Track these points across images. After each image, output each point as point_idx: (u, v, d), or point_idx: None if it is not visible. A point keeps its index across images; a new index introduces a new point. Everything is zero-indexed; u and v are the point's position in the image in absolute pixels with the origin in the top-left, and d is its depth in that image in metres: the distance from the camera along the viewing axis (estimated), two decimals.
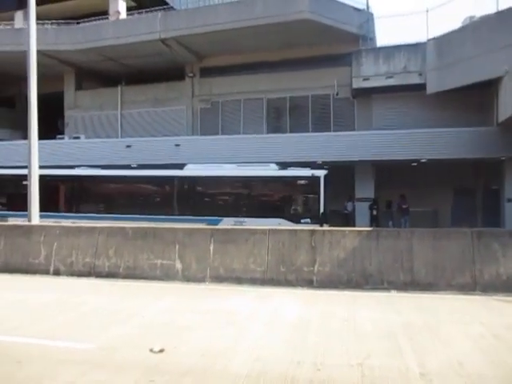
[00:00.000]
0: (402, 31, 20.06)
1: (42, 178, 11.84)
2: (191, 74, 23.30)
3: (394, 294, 7.41)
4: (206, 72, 23.13)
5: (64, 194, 18.40)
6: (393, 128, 18.50)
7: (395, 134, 17.80)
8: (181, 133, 22.79)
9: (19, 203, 16.20)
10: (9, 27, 24.60)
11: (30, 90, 10.80)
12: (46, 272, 9.17)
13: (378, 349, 4.75)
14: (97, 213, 16.51)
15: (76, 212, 16.95)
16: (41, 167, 11.56)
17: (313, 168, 15.46)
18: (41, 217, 11.02)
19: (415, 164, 18.26)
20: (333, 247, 7.88)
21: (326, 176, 14.66)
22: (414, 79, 18.15)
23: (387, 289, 7.56)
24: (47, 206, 15.21)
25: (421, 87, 17.95)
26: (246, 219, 14.12)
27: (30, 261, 9.37)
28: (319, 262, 7.87)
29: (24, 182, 15.79)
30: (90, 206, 17.53)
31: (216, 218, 14.47)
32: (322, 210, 14.28)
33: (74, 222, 12.98)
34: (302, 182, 15.23)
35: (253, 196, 16.06)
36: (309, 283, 7.85)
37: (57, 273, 9.12)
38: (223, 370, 4.20)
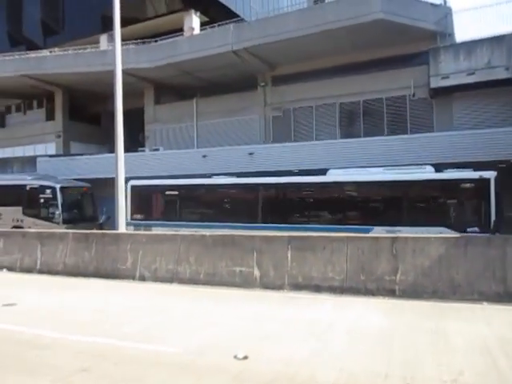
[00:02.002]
0: (483, 24, 18.77)
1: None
2: (263, 83, 23.62)
3: (485, 305, 6.90)
4: (278, 80, 23.31)
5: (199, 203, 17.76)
6: (477, 128, 17.34)
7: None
8: (254, 141, 23.13)
9: (161, 212, 17.46)
10: (94, 50, 26.61)
11: (116, 107, 11.57)
12: (132, 277, 9.72)
13: (471, 365, 4.45)
14: (232, 222, 15.06)
15: (208, 221, 15.85)
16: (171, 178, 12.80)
17: (476, 169, 13.72)
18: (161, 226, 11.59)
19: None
20: (416, 255, 7.53)
21: (496, 178, 12.86)
22: (500, 74, 16.89)
23: (477, 300, 7.06)
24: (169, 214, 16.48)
25: (508, 82, 16.66)
26: (400, 228, 12.74)
27: (117, 267, 9.99)
28: (401, 271, 7.55)
29: (170, 192, 17.09)
30: (226, 215, 16.19)
31: (366, 226, 13.27)
32: (493, 218, 12.54)
33: (196, 231, 12.12)
34: (468, 185, 13.47)
35: (408, 202, 14.34)
36: (390, 293, 7.56)
37: (142, 278, 9.63)
38: (309, 380, 4.17)
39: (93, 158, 24.10)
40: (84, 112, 31.12)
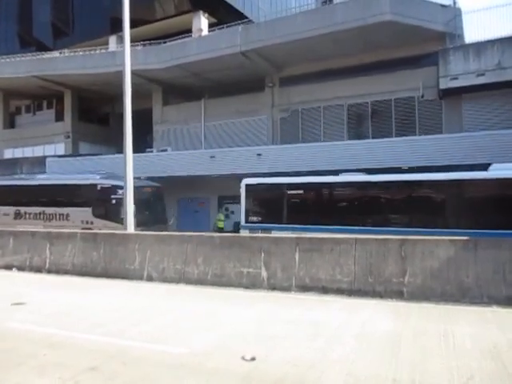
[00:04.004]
0: (493, 25, 18.63)
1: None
2: (271, 85, 23.64)
3: (495, 309, 6.83)
4: (286, 81, 23.32)
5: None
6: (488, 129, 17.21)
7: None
8: (261, 142, 23.16)
9: (283, 214, 15.11)
10: (103, 51, 26.80)
11: (125, 108, 11.62)
12: (139, 278, 9.75)
13: (481, 369, 4.40)
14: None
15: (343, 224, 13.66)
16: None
17: None
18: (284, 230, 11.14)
19: None
20: (425, 258, 7.47)
21: None
22: (511, 75, 16.75)
23: (487, 303, 6.99)
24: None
25: None
26: None
27: (126, 267, 10.03)
28: (410, 273, 7.51)
29: (293, 191, 15.15)
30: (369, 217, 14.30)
31: None
32: None
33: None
34: None
35: None
36: (398, 295, 7.51)
37: (150, 279, 9.66)
38: (316, 383, 4.15)
39: (101, 158, 24.23)
40: (93, 113, 31.39)
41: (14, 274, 11.13)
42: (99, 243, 10.56)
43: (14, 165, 27.80)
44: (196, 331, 5.88)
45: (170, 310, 7.09)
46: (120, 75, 12.22)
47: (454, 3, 19.07)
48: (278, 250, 8.60)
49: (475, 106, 18.54)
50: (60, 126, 29.76)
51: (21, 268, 11.34)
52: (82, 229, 15.81)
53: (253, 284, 8.59)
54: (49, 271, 10.91)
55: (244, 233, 13.23)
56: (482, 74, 17.27)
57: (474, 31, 19.33)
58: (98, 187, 17.83)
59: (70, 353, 5.09)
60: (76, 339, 5.57)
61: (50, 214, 18.41)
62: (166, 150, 24.26)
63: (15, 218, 18.96)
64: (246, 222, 15.30)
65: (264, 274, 8.56)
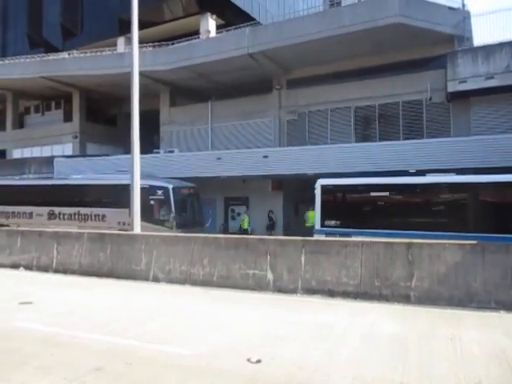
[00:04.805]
0: (502, 28, 18.47)
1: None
2: (278, 87, 23.63)
3: (502, 314, 6.77)
4: (293, 83, 23.29)
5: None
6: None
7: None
8: (268, 144, 23.15)
9: (367, 218, 13.86)
10: (112, 52, 26.94)
11: (133, 109, 11.66)
12: (145, 278, 9.77)
13: (489, 374, 4.36)
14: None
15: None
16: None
17: None
18: (369, 235, 10.02)
19: None
20: (432, 262, 7.42)
21: None
22: None
23: (495, 308, 6.93)
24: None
25: None
26: None
27: (132, 267, 10.06)
28: (417, 277, 7.46)
29: (378, 194, 13.71)
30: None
31: None
32: None
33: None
34: None
35: None
36: (405, 299, 7.47)
37: (156, 279, 9.68)
38: None
39: (109, 159, 24.33)
40: (100, 113, 31.58)
41: (22, 273, 11.20)
42: (106, 243, 10.60)
43: (22, 165, 27.97)
44: (201, 332, 5.88)
45: (176, 311, 7.10)
46: (128, 76, 12.27)
47: (463, 6, 18.97)
48: (283, 252, 8.59)
49: (484, 110, 18.41)
50: (68, 127, 29.95)
51: (28, 267, 11.41)
52: (119, 230, 14.86)
53: (258, 286, 8.57)
54: (56, 271, 10.97)
55: (319, 237, 11.93)
56: (491, 77, 17.14)
57: (482, 34, 19.22)
58: None
59: (76, 352, 5.11)
60: (81, 339, 5.59)
61: (85, 215, 17.95)
62: (172, 152, 24.30)
63: (49, 219, 18.55)
64: (322, 226, 14.05)
65: (270, 276, 8.55)
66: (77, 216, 18.13)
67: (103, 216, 17.49)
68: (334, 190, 14.74)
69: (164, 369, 4.60)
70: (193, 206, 18.11)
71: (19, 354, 5.04)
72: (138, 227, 11.30)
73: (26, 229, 13.33)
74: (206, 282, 9.09)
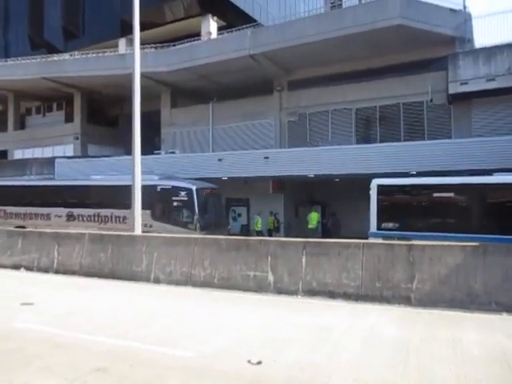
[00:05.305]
0: (503, 31, 18.50)
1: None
2: (279, 88, 23.66)
3: (504, 316, 6.76)
4: (294, 85, 23.32)
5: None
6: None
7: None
8: (269, 145, 23.17)
9: (430, 221, 12.92)
10: (113, 54, 26.99)
11: (134, 110, 11.67)
12: (146, 280, 9.77)
13: (489, 376, 4.37)
14: None
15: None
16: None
17: None
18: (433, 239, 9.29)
19: None
20: (433, 263, 7.42)
21: None
22: None
23: (496, 310, 6.92)
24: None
25: None
26: None
27: (133, 269, 10.06)
28: (418, 279, 7.46)
29: (442, 194, 12.69)
30: None
31: None
32: None
33: None
34: None
35: None
36: (406, 301, 7.47)
37: (156, 281, 9.67)
38: None
39: (110, 159, 24.35)
40: (102, 115, 31.64)
41: (22, 273, 11.20)
42: (107, 244, 10.61)
43: (24, 165, 28.02)
44: (203, 334, 5.89)
45: (177, 313, 7.11)
46: (129, 77, 12.29)
47: (464, 8, 18.99)
48: (284, 254, 8.59)
49: (485, 111, 18.41)
50: (69, 128, 30.00)
51: (29, 268, 11.41)
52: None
53: (259, 287, 8.57)
54: (56, 272, 10.97)
55: (376, 241, 10.90)
56: (492, 79, 17.16)
57: (484, 36, 19.21)
58: (158, 188, 16.65)
59: (78, 354, 5.11)
60: (83, 340, 5.60)
61: (105, 217, 17.47)
62: (174, 153, 24.33)
63: (68, 220, 18.10)
64: (379, 228, 13.11)
65: (271, 277, 8.55)
66: (97, 218, 17.63)
67: (124, 218, 16.78)
68: (392, 191, 13.80)
69: (166, 370, 4.60)
70: (215, 208, 17.69)
71: (21, 355, 5.04)
72: (138, 228, 11.30)
73: (27, 230, 13.34)
74: (206, 284, 9.08)
